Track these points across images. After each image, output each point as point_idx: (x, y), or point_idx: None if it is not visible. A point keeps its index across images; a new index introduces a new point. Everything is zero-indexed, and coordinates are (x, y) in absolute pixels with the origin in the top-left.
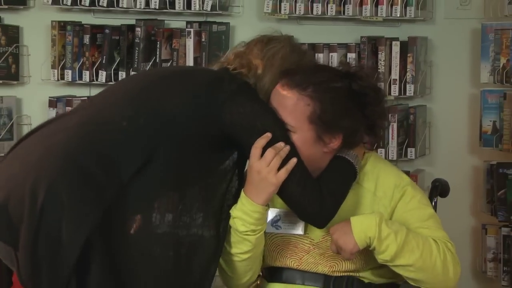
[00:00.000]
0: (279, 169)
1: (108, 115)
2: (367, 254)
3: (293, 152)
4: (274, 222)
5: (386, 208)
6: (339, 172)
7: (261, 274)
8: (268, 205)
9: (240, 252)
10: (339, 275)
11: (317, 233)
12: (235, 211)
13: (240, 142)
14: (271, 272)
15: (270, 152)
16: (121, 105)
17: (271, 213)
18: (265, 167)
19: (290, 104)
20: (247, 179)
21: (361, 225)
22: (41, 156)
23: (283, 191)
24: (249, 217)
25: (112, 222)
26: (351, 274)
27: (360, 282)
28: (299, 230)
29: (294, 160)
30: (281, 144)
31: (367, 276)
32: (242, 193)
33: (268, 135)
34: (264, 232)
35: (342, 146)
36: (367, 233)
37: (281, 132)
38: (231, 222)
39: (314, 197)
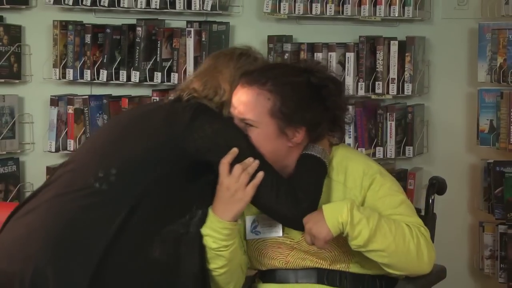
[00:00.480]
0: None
1: (81, 180)
2: (348, 245)
3: (262, 163)
4: (253, 228)
5: (357, 197)
6: (310, 170)
7: (257, 271)
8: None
9: (217, 267)
10: (330, 268)
11: (295, 233)
12: (204, 229)
13: (212, 164)
14: (264, 274)
15: (237, 168)
16: (91, 167)
17: (248, 220)
18: (234, 183)
19: (251, 99)
20: (216, 196)
21: (333, 212)
22: (25, 234)
23: (259, 202)
24: (219, 234)
25: (108, 268)
26: (341, 268)
27: (352, 275)
28: (278, 232)
29: (260, 174)
30: (249, 159)
31: (357, 270)
32: (210, 211)
33: (234, 151)
34: (245, 239)
35: (307, 140)
36: (339, 219)
37: (247, 145)
38: (203, 239)
39: (291, 202)
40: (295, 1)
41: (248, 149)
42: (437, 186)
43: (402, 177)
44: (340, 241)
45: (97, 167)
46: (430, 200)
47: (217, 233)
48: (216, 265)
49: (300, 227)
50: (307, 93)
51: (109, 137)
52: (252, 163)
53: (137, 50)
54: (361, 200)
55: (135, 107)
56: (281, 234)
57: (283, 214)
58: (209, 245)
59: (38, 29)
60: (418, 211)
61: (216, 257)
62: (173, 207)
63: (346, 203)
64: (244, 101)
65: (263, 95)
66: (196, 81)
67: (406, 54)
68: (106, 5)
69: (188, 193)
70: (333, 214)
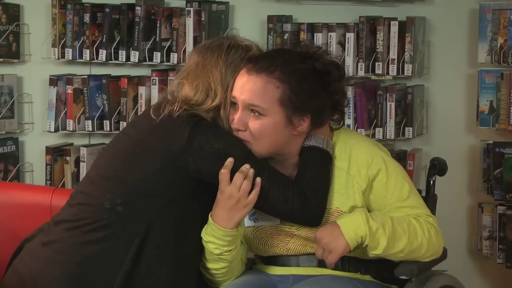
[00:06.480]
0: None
1: (90, 213)
2: None
3: (267, 168)
4: (251, 215)
5: (360, 185)
6: (315, 165)
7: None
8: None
9: (218, 267)
10: None
11: None
12: (206, 236)
13: (213, 182)
14: (266, 258)
15: (238, 176)
16: (98, 198)
17: None
18: (237, 192)
19: (260, 87)
20: (218, 204)
21: (350, 226)
22: (40, 270)
23: (267, 205)
24: (222, 241)
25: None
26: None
27: (354, 259)
28: (275, 220)
29: (258, 181)
30: (246, 166)
31: (359, 255)
32: (210, 220)
33: (231, 160)
34: (244, 226)
35: (310, 128)
36: (358, 232)
37: (243, 153)
38: (204, 244)
39: (299, 202)
40: None
41: (247, 157)
42: (438, 167)
43: (401, 158)
44: None
45: (103, 199)
46: (431, 181)
47: (219, 240)
48: (218, 265)
49: (313, 224)
50: (313, 80)
51: (111, 165)
52: (249, 170)
53: (136, 30)
54: (365, 188)
55: (131, 123)
56: (279, 222)
57: (293, 215)
58: (212, 251)
59: (36, 8)
60: (418, 192)
61: (217, 260)
62: (186, 223)
63: (360, 215)
64: (251, 89)
65: (272, 84)
66: (187, 85)
67: (406, 35)
68: None
69: (199, 207)
70: (350, 228)
